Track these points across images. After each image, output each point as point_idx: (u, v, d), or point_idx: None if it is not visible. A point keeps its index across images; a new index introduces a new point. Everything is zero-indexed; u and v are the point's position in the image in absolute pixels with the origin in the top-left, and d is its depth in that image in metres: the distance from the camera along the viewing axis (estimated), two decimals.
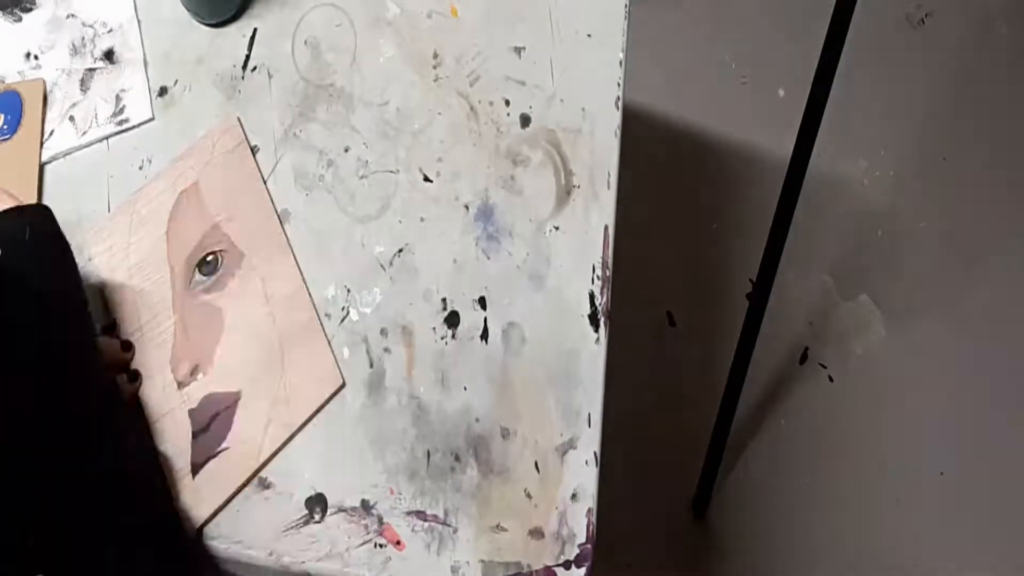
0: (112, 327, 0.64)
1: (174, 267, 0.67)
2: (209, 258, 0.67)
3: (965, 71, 1.72)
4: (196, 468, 0.60)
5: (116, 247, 0.67)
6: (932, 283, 1.54)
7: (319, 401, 0.63)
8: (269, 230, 0.68)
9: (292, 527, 0.60)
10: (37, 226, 0.57)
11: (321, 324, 0.66)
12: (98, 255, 0.67)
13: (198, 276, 0.66)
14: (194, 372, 0.63)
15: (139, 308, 0.65)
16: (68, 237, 0.66)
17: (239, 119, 0.72)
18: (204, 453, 0.61)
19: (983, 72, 1.72)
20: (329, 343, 0.65)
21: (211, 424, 0.61)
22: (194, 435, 0.61)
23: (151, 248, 0.67)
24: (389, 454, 0.62)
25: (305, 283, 0.67)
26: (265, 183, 0.70)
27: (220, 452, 0.61)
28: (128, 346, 0.64)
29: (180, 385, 0.63)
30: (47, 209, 0.59)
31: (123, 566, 0.51)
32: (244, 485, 0.60)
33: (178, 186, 0.69)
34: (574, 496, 0.62)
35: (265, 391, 0.63)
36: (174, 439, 0.61)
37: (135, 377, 0.62)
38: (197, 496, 0.59)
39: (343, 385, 0.64)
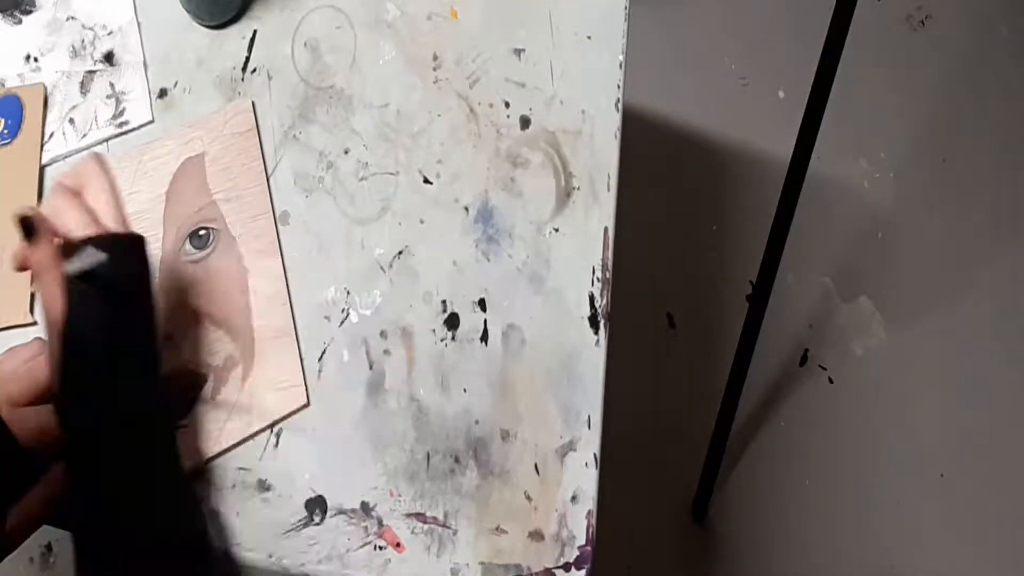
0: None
1: (167, 230, 0.67)
2: (201, 232, 0.67)
3: (965, 72, 1.72)
4: None
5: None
6: (932, 284, 1.54)
7: (277, 414, 0.62)
8: (263, 225, 0.68)
9: (292, 529, 0.60)
10: (123, 259, 0.54)
11: (296, 336, 0.65)
12: None
13: (188, 247, 0.66)
14: (167, 339, 0.63)
15: None
16: None
17: (253, 103, 0.72)
18: None
19: (983, 73, 1.72)
20: (301, 358, 0.64)
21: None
22: None
23: (149, 203, 0.67)
24: (389, 456, 0.62)
25: (288, 291, 0.66)
26: (268, 179, 0.70)
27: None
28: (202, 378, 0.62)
29: None
30: (141, 240, 0.55)
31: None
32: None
33: (184, 152, 0.69)
34: (574, 498, 0.62)
35: (230, 387, 0.62)
36: None
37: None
38: None
39: (307, 404, 0.63)
